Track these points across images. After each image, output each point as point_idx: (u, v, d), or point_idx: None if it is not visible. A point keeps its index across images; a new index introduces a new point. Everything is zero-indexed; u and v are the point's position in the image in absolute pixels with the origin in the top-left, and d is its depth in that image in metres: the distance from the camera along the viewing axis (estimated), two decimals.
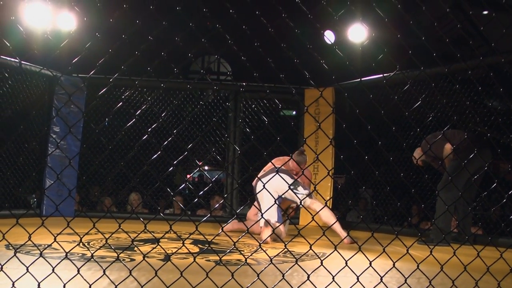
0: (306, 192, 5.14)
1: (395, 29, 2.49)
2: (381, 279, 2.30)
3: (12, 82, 6.97)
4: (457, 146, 4.80)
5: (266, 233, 4.90)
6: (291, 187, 5.02)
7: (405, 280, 2.36)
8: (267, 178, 4.88)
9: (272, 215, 5.02)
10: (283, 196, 4.90)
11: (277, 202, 4.97)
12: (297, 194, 5.05)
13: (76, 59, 2.47)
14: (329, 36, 7.86)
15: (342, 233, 4.93)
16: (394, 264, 2.36)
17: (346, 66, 2.50)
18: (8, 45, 2.27)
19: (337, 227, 5.04)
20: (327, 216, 5.08)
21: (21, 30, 3.29)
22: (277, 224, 4.94)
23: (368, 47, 5.76)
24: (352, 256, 2.33)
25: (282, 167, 5.27)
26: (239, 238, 2.59)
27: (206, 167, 12.29)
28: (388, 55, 2.43)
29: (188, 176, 10.19)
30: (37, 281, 2.06)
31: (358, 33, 7.50)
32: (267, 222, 4.93)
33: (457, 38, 8.13)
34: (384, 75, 2.81)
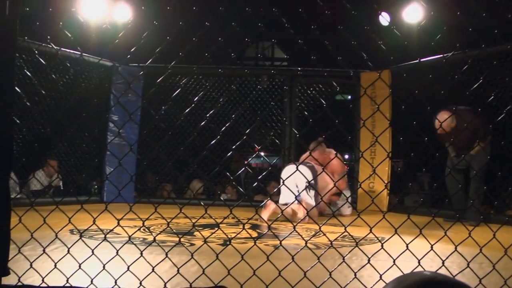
0: (310, 199, 5.49)
1: (455, 7, 2.42)
2: (443, 263, 2.26)
3: (72, 73, 7.20)
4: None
5: (301, 210, 5.21)
6: (306, 184, 5.41)
7: (468, 265, 2.32)
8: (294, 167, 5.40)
9: (290, 197, 5.29)
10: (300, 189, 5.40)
11: (298, 192, 5.41)
12: (304, 194, 5.44)
13: (133, 49, 2.52)
14: (384, 18, 7.70)
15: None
16: (456, 248, 2.31)
17: (400, 49, 2.46)
18: (70, 35, 2.33)
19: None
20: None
21: (81, 22, 3.37)
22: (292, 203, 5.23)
23: (424, 28, 5.62)
24: (412, 240, 2.30)
25: (309, 161, 5.72)
26: (298, 222, 2.60)
27: (262, 153, 12.28)
28: (447, 34, 2.36)
29: (246, 162, 10.18)
30: (102, 263, 2.13)
31: (413, 13, 7.30)
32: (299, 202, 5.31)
33: None
34: (444, 55, 2.74)
